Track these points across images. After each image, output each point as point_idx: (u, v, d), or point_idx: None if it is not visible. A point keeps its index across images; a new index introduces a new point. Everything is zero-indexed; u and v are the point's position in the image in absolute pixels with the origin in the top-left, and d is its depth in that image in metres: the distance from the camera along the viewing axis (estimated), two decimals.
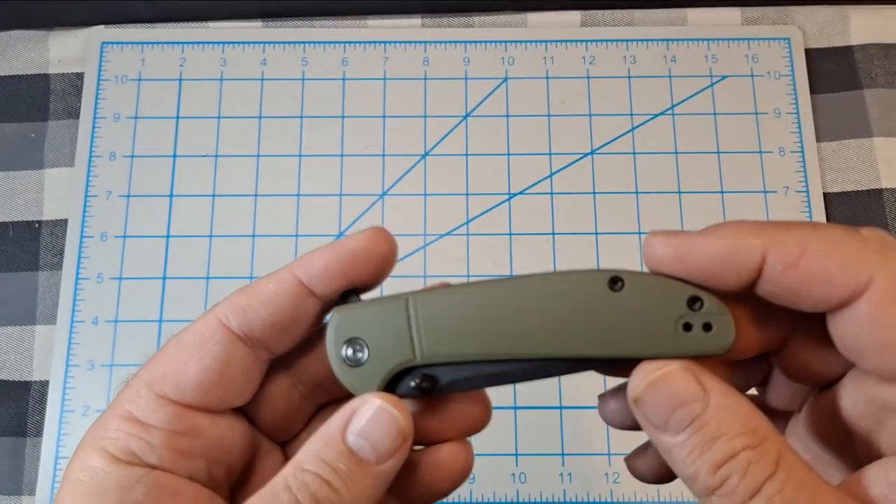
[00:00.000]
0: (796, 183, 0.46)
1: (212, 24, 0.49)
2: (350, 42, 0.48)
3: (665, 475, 0.24)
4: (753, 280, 0.19)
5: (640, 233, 0.45)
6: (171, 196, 0.46)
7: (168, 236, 0.45)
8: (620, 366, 0.21)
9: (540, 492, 0.41)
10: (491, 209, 0.46)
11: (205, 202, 0.46)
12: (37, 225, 0.46)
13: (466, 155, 0.47)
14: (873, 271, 0.18)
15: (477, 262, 0.45)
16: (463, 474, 0.23)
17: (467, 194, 0.46)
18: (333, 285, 0.21)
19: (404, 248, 0.45)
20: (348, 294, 0.22)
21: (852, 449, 0.21)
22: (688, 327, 0.20)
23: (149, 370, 0.21)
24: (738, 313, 0.21)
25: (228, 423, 0.22)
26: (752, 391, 0.25)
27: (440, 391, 0.22)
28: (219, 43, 0.48)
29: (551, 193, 0.46)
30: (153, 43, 0.48)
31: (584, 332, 0.20)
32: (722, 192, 0.46)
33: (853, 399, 0.21)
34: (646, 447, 0.25)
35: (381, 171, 0.46)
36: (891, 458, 0.19)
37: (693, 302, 0.20)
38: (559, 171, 0.46)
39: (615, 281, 0.20)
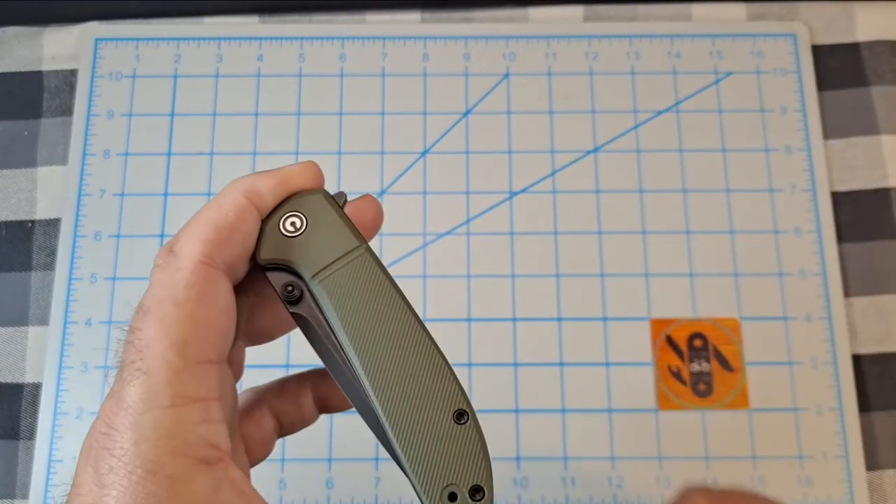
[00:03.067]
0: (803, 181, 0.45)
1: (207, 19, 0.49)
2: (348, 38, 0.48)
3: None
4: None
5: (643, 232, 0.44)
6: (165, 195, 0.45)
7: (163, 236, 0.44)
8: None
9: (542, 496, 0.40)
10: (492, 208, 0.45)
11: (200, 201, 0.45)
12: (30, 224, 0.45)
13: (467, 153, 0.46)
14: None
15: (477, 262, 0.44)
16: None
17: (468, 193, 0.45)
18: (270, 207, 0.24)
19: (403, 248, 0.44)
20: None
21: None
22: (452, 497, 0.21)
23: (171, 336, 0.21)
24: None
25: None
26: None
27: (295, 311, 0.23)
28: (214, 39, 0.48)
29: (553, 192, 0.45)
30: (148, 39, 0.48)
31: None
32: (727, 190, 0.45)
33: None
34: None
35: (379, 169, 0.46)
36: None
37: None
38: (561, 169, 0.46)
39: (461, 415, 0.21)
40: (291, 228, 0.23)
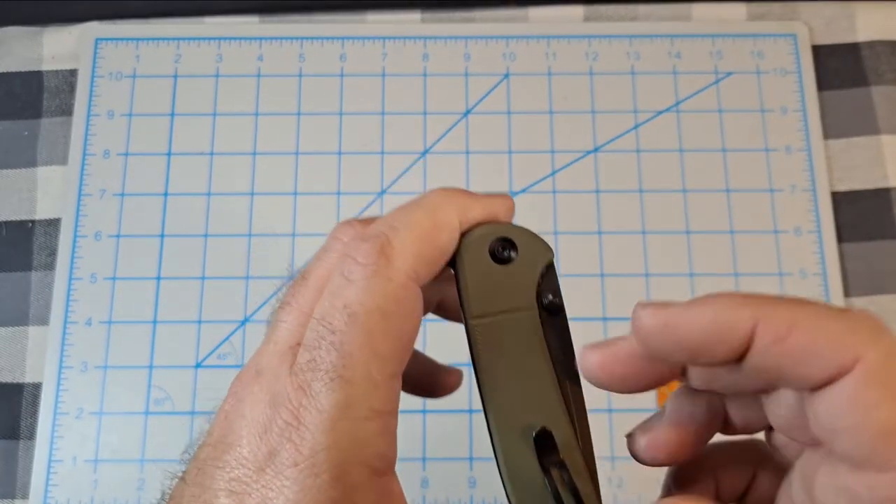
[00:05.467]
0: (803, 181, 0.45)
1: (208, 19, 0.49)
2: (348, 37, 0.48)
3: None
4: (743, 352, 0.19)
5: (643, 232, 0.44)
6: (165, 194, 0.45)
7: (163, 235, 0.44)
8: None
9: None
10: None
11: (200, 201, 0.45)
12: (30, 224, 0.45)
13: (467, 153, 0.46)
14: (862, 351, 0.17)
15: None
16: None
17: None
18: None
19: None
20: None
21: None
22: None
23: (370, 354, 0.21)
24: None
25: None
26: None
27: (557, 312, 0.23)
28: (215, 39, 0.48)
29: (553, 192, 0.45)
30: (148, 39, 0.48)
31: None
32: (727, 190, 0.45)
33: (825, 485, 0.19)
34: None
35: (379, 169, 0.46)
36: None
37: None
38: (561, 169, 0.46)
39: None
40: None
